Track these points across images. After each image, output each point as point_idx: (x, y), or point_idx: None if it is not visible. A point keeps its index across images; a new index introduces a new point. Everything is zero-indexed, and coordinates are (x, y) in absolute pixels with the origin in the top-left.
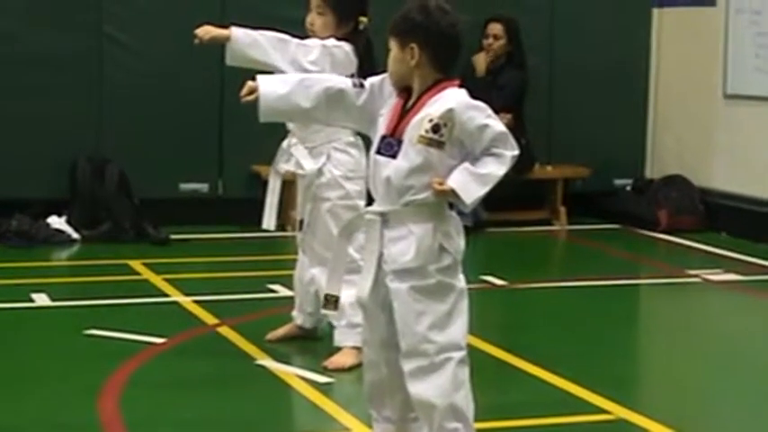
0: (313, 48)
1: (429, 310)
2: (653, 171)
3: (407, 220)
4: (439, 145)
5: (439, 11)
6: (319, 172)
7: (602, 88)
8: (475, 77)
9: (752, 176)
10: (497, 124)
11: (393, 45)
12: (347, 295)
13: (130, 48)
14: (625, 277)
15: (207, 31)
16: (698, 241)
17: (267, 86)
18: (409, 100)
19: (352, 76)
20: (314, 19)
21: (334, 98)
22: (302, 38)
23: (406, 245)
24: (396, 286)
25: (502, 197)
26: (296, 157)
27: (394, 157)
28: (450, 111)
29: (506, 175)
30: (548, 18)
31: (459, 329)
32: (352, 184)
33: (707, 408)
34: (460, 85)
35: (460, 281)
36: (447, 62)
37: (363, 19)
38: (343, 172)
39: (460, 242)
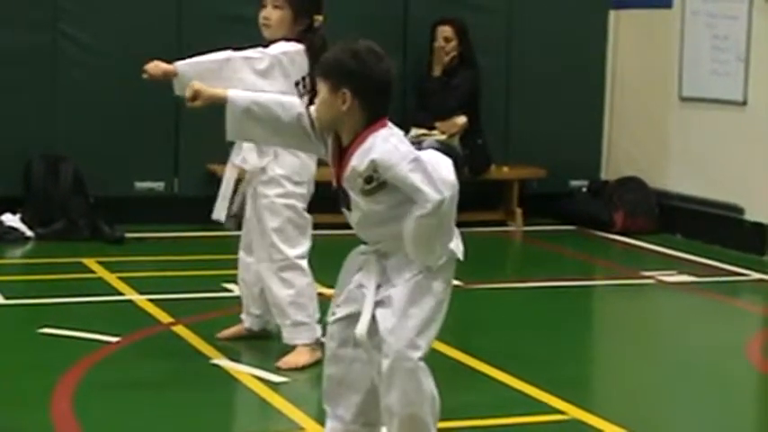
0: (262, 59)
1: (412, 314)
2: (608, 173)
3: (401, 248)
4: (380, 187)
5: (372, 55)
6: (263, 169)
7: (559, 89)
8: (431, 79)
9: (706, 179)
10: (414, 176)
11: (322, 87)
12: (287, 294)
13: (85, 45)
14: (580, 278)
15: (157, 67)
16: (653, 243)
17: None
18: (341, 144)
19: (303, 78)
20: (270, 13)
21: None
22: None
23: (409, 264)
24: (387, 293)
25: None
26: (244, 152)
27: (349, 208)
28: (373, 162)
29: (462, 176)
30: (505, 19)
31: (432, 338)
32: (293, 185)
33: (660, 408)
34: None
35: (448, 284)
36: (378, 108)
37: (319, 17)
38: (286, 172)
39: (457, 243)
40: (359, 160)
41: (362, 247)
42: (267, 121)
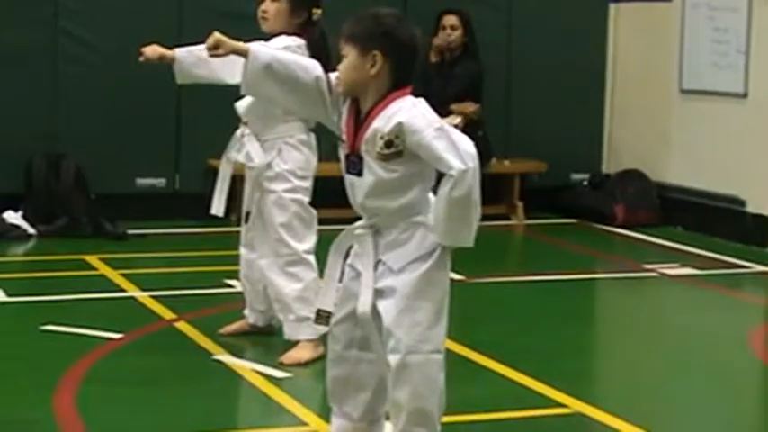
0: None
1: (420, 307)
2: (609, 166)
3: (399, 221)
4: (398, 155)
5: (400, 20)
6: (268, 165)
7: (560, 83)
8: (429, 66)
9: (708, 171)
10: (439, 143)
11: (350, 51)
12: (293, 289)
13: (86, 42)
14: (582, 272)
15: (154, 51)
16: (654, 235)
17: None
18: (360, 110)
19: None
20: (267, 6)
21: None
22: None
23: (405, 243)
24: (389, 284)
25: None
26: (247, 148)
27: (360, 174)
28: (399, 124)
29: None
30: (506, 12)
31: (443, 330)
32: (299, 180)
33: (663, 400)
34: (414, 93)
35: (448, 271)
36: (405, 73)
37: (317, 10)
38: (291, 167)
39: None
40: (383, 122)
41: (357, 223)
42: (286, 79)
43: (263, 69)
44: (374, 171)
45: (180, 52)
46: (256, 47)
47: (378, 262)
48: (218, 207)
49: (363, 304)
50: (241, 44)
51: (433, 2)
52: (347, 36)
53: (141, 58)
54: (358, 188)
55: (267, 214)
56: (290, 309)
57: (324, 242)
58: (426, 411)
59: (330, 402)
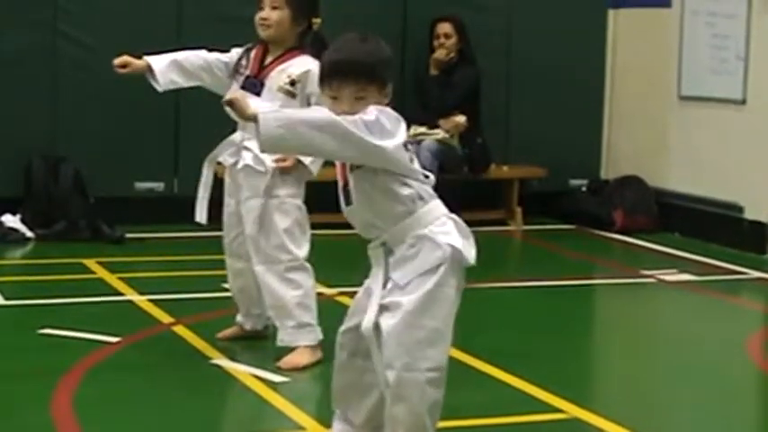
0: None
1: (421, 324)
2: (608, 172)
3: (404, 237)
4: (375, 170)
5: (379, 44)
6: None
7: (558, 89)
8: (429, 77)
9: (705, 177)
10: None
11: (365, 90)
12: (294, 296)
13: (85, 45)
14: (580, 277)
15: (125, 62)
16: (652, 241)
17: None
18: None
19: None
20: (268, 14)
21: None
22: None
23: (413, 259)
24: (395, 299)
25: (457, 197)
26: (255, 152)
27: (350, 203)
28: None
29: (462, 175)
30: (504, 18)
31: (446, 348)
32: (300, 186)
33: (660, 407)
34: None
35: (458, 290)
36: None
37: (317, 20)
38: (295, 173)
39: (466, 246)
40: None
41: (371, 244)
42: (300, 147)
43: (278, 139)
44: (356, 187)
45: (151, 59)
46: (264, 117)
47: (388, 280)
48: (201, 214)
49: (368, 320)
50: (251, 112)
51: (433, 8)
52: (357, 77)
53: (122, 70)
54: (354, 215)
55: (269, 219)
56: (291, 315)
57: (317, 247)
58: (423, 426)
59: (334, 407)
